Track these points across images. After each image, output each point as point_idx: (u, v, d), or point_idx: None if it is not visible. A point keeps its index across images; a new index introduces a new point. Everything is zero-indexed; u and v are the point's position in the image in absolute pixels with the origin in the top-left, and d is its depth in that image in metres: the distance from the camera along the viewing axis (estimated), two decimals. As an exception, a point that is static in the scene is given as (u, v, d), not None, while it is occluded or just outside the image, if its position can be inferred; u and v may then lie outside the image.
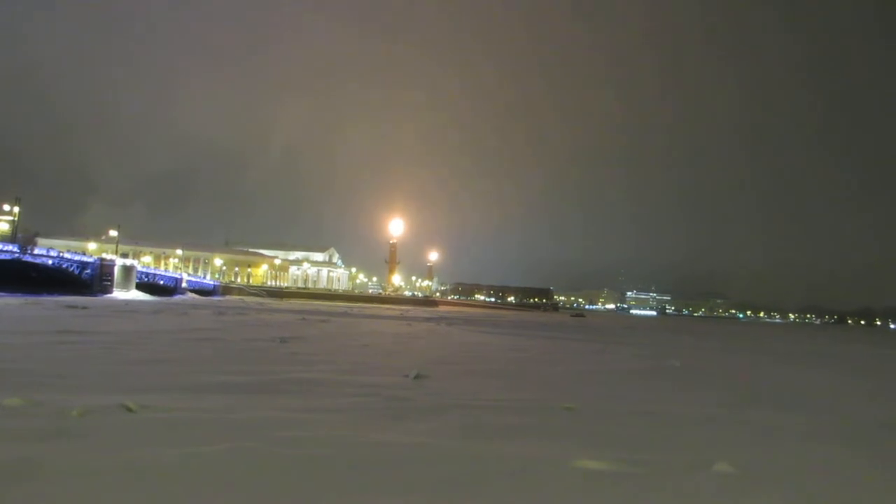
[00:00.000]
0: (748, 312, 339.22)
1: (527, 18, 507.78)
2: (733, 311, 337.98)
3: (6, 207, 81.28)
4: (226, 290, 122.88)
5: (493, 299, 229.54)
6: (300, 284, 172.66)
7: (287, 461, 5.82)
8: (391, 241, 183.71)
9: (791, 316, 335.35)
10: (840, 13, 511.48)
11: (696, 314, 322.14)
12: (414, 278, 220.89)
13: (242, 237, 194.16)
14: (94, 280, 71.25)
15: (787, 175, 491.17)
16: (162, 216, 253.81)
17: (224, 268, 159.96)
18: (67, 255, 70.88)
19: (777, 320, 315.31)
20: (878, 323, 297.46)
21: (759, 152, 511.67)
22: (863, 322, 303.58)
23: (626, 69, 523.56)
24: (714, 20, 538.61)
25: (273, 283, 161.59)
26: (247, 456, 5.94)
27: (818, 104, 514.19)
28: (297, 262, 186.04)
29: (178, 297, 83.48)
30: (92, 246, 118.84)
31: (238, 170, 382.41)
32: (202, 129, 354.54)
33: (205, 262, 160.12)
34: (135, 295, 73.28)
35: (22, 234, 76.56)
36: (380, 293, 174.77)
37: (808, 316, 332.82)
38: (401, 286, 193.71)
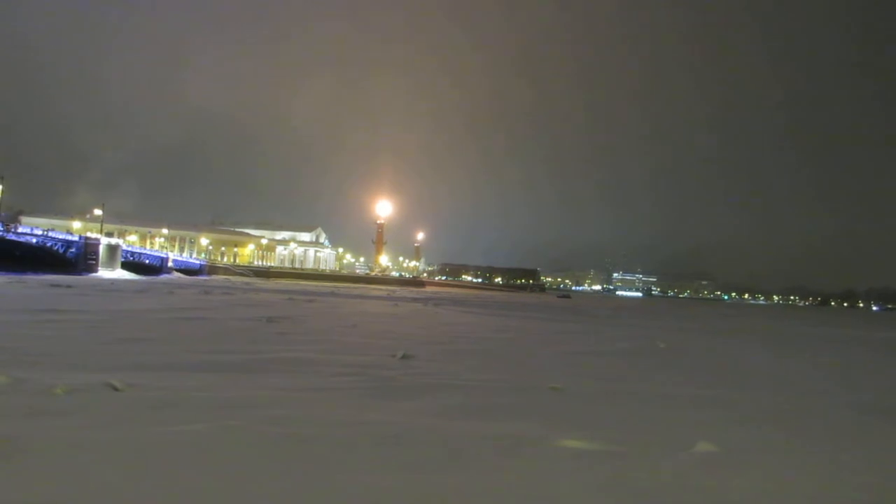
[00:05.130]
0: (733, 294, 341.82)
1: (509, 6, 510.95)
2: (718, 293, 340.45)
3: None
4: (212, 269, 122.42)
5: (479, 280, 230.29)
6: (287, 264, 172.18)
7: (274, 440, 5.83)
8: (378, 222, 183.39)
9: (775, 298, 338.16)
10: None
11: (681, 296, 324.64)
12: (401, 259, 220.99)
13: (229, 216, 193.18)
14: (79, 259, 70.77)
15: (764, 158, 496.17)
16: (151, 195, 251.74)
17: (210, 247, 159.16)
18: (52, 234, 70.22)
19: (762, 302, 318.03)
20: (861, 305, 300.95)
21: (730, 134, 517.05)
22: (845, 304, 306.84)
23: (593, 51, 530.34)
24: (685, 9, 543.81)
25: (260, 263, 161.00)
26: (233, 434, 5.94)
27: (789, 80, 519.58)
28: (284, 241, 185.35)
29: (163, 277, 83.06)
30: (76, 224, 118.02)
31: (231, 149, 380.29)
32: (197, 105, 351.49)
33: (191, 242, 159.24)
34: (120, 274, 72.84)
35: (5, 213, 75.76)
36: (367, 273, 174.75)
37: (792, 298, 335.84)
38: (388, 266, 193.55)
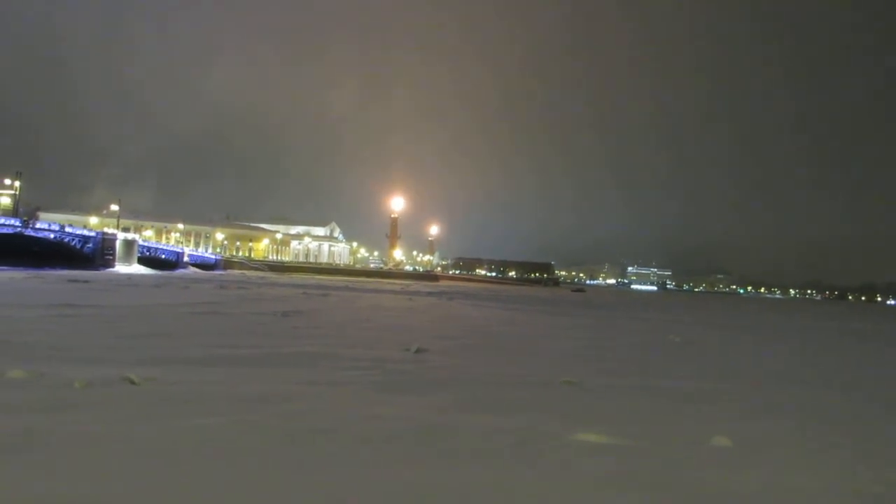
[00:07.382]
0: (749, 288, 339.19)
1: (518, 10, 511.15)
2: (734, 287, 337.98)
3: (7, 182, 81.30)
4: (227, 264, 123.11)
5: (494, 274, 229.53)
6: (301, 259, 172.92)
7: (289, 434, 5.87)
8: (392, 216, 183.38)
9: (792, 292, 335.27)
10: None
11: (696, 290, 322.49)
12: (415, 253, 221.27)
13: (244, 212, 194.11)
14: (96, 254, 71.41)
15: (780, 151, 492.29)
16: (167, 191, 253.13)
17: (225, 242, 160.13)
18: (69, 230, 70.89)
19: (778, 296, 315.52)
20: (879, 299, 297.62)
21: (745, 128, 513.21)
22: (863, 298, 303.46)
23: (605, 47, 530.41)
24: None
25: (274, 258, 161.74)
26: (249, 428, 5.99)
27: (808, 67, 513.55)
28: (299, 236, 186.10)
29: (179, 272, 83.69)
30: (93, 220, 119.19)
31: (247, 145, 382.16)
32: (216, 102, 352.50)
33: (206, 237, 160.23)
34: (136, 269, 73.48)
35: (24, 209, 76.61)
36: (381, 268, 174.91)
37: (809, 292, 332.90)
38: (402, 261, 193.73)
